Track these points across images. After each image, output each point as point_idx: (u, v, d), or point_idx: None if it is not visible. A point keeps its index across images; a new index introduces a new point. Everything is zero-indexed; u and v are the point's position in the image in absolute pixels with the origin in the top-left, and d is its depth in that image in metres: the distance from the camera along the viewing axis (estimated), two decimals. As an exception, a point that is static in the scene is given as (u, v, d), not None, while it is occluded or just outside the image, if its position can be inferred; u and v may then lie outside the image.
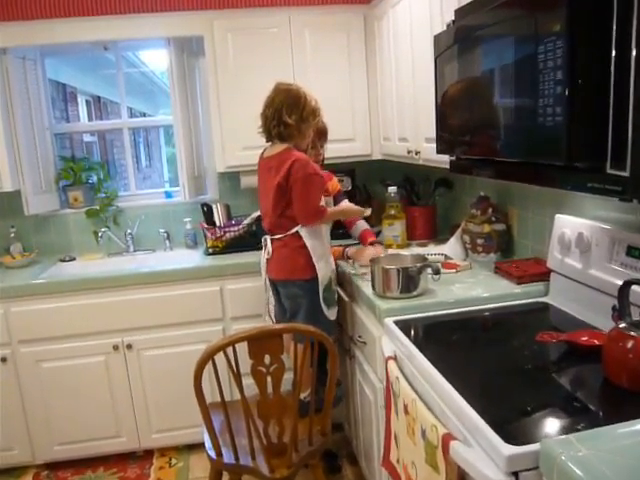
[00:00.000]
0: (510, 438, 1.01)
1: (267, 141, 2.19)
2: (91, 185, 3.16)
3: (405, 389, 1.43)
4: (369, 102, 2.93)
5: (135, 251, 3.11)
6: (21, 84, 2.81)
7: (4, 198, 2.92)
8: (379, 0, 2.66)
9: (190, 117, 3.03)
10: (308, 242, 2.13)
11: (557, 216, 1.80)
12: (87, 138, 5.36)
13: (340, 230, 2.88)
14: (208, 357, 1.74)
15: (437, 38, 1.64)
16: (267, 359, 1.78)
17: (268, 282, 2.29)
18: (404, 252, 2.33)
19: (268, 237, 2.23)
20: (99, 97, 5.85)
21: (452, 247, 2.35)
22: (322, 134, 2.38)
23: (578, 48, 0.97)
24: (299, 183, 2.05)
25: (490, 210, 2.24)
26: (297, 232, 2.13)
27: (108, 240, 3.09)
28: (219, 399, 1.83)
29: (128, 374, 2.67)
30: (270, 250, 2.21)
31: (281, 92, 2.11)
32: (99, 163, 3.21)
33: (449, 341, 1.63)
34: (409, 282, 1.87)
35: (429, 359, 1.41)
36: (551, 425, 1.08)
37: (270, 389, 1.82)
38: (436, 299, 1.84)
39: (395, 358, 1.61)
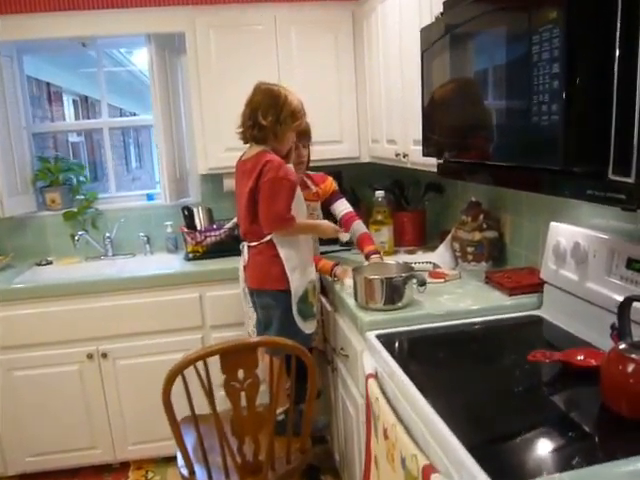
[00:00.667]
0: (497, 475, 0.90)
1: (244, 143, 2.06)
2: (69, 187, 3.04)
3: (385, 412, 1.32)
4: (357, 103, 2.82)
5: (114, 255, 2.99)
6: (-5, 80, 2.69)
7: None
8: (368, -4, 2.55)
9: (172, 117, 2.92)
10: (281, 251, 2.00)
11: (552, 224, 1.70)
12: (73, 138, 5.24)
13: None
14: (177, 372, 1.63)
15: (424, 31, 1.53)
16: (241, 374, 1.67)
17: (246, 290, 2.18)
18: (390, 260, 2.21)
19: (245, 244, 2.12)
20: (86, 97, 5.74)
21: (441, 255, 2.24)
22: (303, 134, 2.25)
23: (577, 37, 0.86)
24: (266, 186, 1.93)
25: (481, 216, 2.14)
26: (271, 240, 2.00)
27: (86, 244, 2.97)
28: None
29: (103, 384, 2.56)
30: (246, 257, 2.10)
31: (260, 92, 1.99)
32: (78, 164, 3.09)
33: (435, 358, 1.52)
34: (393, 293, 1.76)
35: (412, 378, 1.30)
36: (542, 460, 0.97)
37: (244, 404, 1.71)
38: (422, 311, 1.73)
39: (376, 376, 1.50)
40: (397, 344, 1.59)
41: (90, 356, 2.50)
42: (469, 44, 1.25)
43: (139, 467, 2.70)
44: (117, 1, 2.59)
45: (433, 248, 2.40)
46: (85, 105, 5.81)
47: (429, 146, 1.57)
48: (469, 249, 2.14)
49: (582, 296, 1.51)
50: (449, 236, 2.27)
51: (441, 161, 1.58)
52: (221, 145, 2.69)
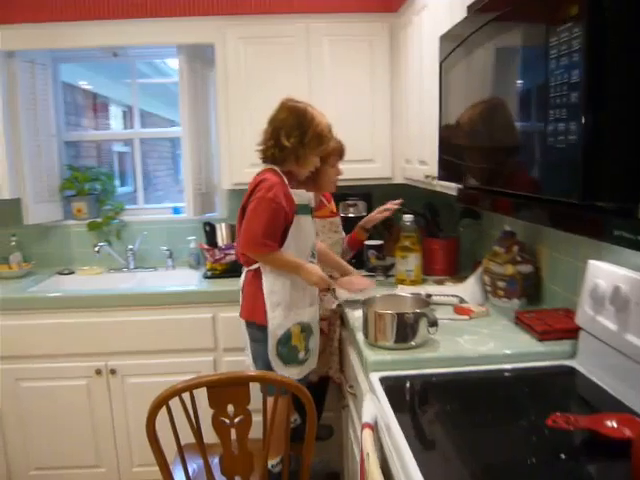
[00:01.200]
0: None
1: (263, 162, 1.91)
2: (97, 196, 3.01)
3: (372, 472, 1.14)
4: (392, 120, 2.66)
5: (135, 268, 2.93)
6: (27, 89, 2.70)
7: (6, 206, 2.79)
8: (405, 7, 2.40)
9: (200, 129, 2.85)
10: (265, 283, 1.85)
11: (590, 262, 1.48)
12: (119, 148, 5.30)
13: (353, 260, 2.62)
14: (162, 402, 1.51)
15: (443, 39, 1.36)
16: (231, 409, 1.53)
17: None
18: (406, 292, 2.02)
19: (245, 269, 1.98)
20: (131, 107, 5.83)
21: (470, 289, 2.04)
22: (340, 153, 2.14)
23: (602, 38, 0.68)
24: (252, 204, 1.79)
25: (515, 248, 1.92)
26: (259, 269, 1.86)
27: (108, 255, 2.92)
28: (190, 440, 1.59)
29: (110, 401, 2.47)
30: (241, 283, 1.97)
31: (286, 109, 1.86)
32: (107, 174, 3.06)
33: (441, 412, 1.32)
34: (406, 330, 1.57)
35: (407, 436, 1.12)
36: None
37: (236, 443, 1.56)
38: (436, 353, 1.54)
39: (374, 427, 1.32)
40: (402, 391, 1.41)
41: (99, 372, 2.43)
42: (484, 52, 1.07)
43: (144, 490, 2.59)
44: (147, 11, 2.55)
45: (464, 279, 2.19)
46: (131, 115, 5.89)
47: (445, 169, 1.39)
48: (500, 284, 1.92)
49: (621, 349, 1.29)
50: (480, 268, 2.07)
51: (461, 186, 1.40)
52: (246, 160, 2.58)
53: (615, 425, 1.11)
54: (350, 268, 2.20)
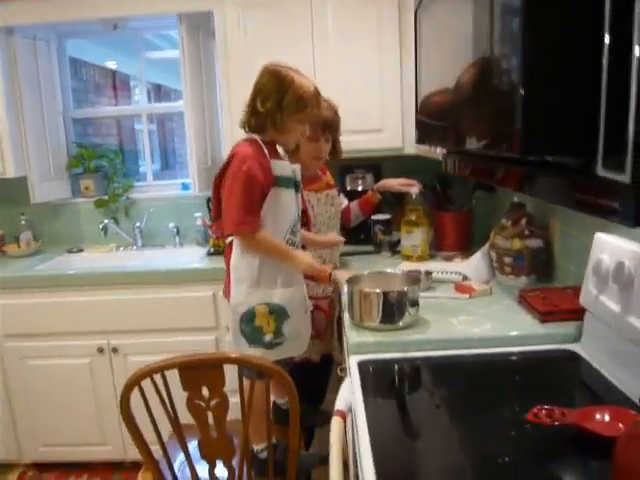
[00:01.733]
0: None
1: (245, 132, 1.78)
2: (105, 174, 2.98)
3: (333, 466, 1.04)
4: (402, 87, 2.49)
5: (143, 246, 2.89)
6: (29, 66, 2.66)
7: (14, 184, 2.78)
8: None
9: (205, 103, 2.76)
10: (233, 258, 1.75)
11: (597, 235, 1.32)
12: (140, 126, 5.29)
13: (361, 234, 2.50)
14: (131, 386, 1.47)
15: (417, -16, 1.21)
16: (206, 392, 1.46)
17: None
18: (404, 268, 1.89)
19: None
20: (159, 85, 5.80)
21: (474, 265, 1.89)
22: (327, 126, 1.98)
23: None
24: (227, 181, 1.67)
25: (524, 221, 1.77)
26: (232, 243, 1.76)
27: (116, 233, 2.90)
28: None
29: (114, 379, 2.46)
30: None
31: (267, 74, 1.72)
32: (114, 151, 3.02)
33: (417, 401, 1.21)
34: (392, 309, 1.46)
35: (372, 428, 1.01)
36: None
37: (213, 427, 1.50)
38: (424, 335, 1.42)
39: (346, 414, 1.22)
40: (379, 375, 1.30)
41: (101, 350, 2.41)
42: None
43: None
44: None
45: (475, 255, 2.05)
46: (158, 93, 5.87)
47: (421, 130, 1.25)
48: (506, 259, 1.77)
49: (623, 332, 1.14)
50: (487, 243, 1.91)
51: (444, 151, 1.25)
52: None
53: (607, 419, 0.98)
54: (328, 237, 2.04)
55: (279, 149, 1.83)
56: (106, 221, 2.82)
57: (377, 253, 2.36)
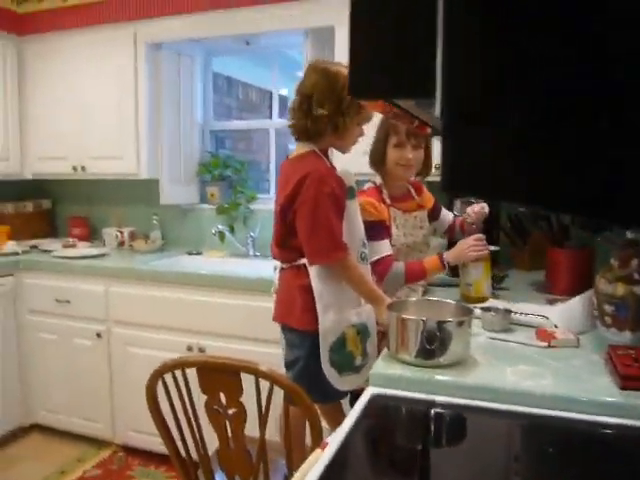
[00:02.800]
0: None
1: (296, 139, 1.68)
2: (230, 183, 3.13)
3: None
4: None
5: (255, 255, 2.96)
6: (173, 78, 2.91)
7: (151, 186, 3.05)
8: None
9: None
10: (315, 283, 1.60)
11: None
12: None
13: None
14: (157, 376, 1.45)
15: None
16: (224, 398, 1.39)
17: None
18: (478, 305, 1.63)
19: (278, 264, 1.76)
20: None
21: (568, 311, 1.55)
22: (412, 132, 1.77)
23: None
24: (306, 206, 1.53)
25: (635, 262, 1.41)
26: (304, 265, 1.62)
27: (230, 240, 3.00)
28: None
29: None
30: (276, 283, 1.76)
31: (314, 73, 1.59)
32: (240, 161, 3.15)
33: (407, 458, 1.00)
34: (433, 342, 1.24)
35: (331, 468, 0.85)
36: None
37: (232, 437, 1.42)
38: (456, 378, 1.18)
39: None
40: (384, 414, 1.10)
41: (190, 348, 2.48)
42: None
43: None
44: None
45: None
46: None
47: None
48: (607, 308, 1.43)
49: None
50: (592, 289, 1.57)
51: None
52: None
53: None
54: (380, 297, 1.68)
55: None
56: (220, 227, 2.94)
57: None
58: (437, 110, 0.35)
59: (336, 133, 1.59)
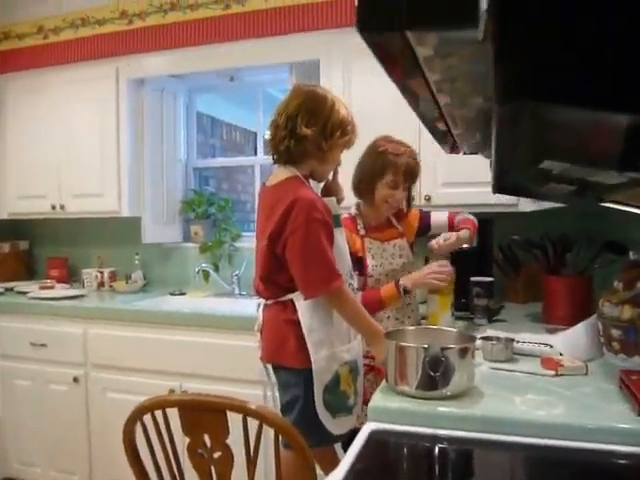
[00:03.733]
0: None
1: (274, 162, 1.62)
2: (214, 221, 3.05)
3: None
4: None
5: (240, 294, 2.85)
6: (155, 115, 2.87)
7: (134, 225, 2.96)
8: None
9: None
10: (303, 319, 1.50)
11: None
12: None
13: (462, 299, 2.18)
14: (134, 420, 1.33)
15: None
16: (208, 441, 1.27)
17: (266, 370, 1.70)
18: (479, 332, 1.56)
19: (262, 301, 1.66)
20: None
21: (573, 338, 1.48)
22: (408, 174, 1.78)
23: None
24: (298, 234, 1.44)
25: (640, 284, 1.35)
26: (291, 301, 1.53)
27: (214, 279, 2.90)
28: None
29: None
30: (261, 320, 1.65)
31: (301, 94, 1.55)
32: (224, 199, 3.09)
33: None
34: (435, 372, 1.15)
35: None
36: None
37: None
38: (464, 410, 1.09)
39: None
40: (385, 450, 1.00)
41: (172, 392, 2.34)
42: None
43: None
44: (259, 31, 2.53)
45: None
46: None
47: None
48: (614, 332, 1.36)
49: None
50: (596, 315, 1.50)
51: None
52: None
53: None
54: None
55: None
56: (204, 265, 2.84)
57: (469, 320, 2.01)
58: (480, 32, 0.28)
59: (319, 157, 1.54)
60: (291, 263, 1.49)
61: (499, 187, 1.00)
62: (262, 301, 1.65)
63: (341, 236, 1.60)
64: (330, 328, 1.55)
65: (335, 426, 1.53)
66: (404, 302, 1.81)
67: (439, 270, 1.71)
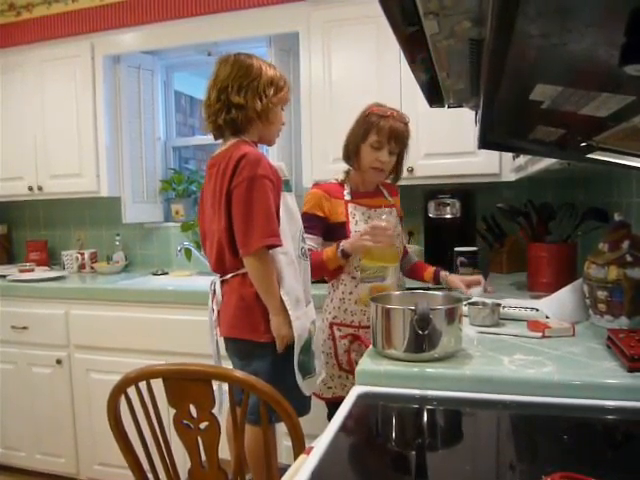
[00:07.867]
0: None
1: (215, 138, 1.62)
2: (195, 199, 3.01)
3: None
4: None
5: (223, 272, 2.82)
6: (132, 93, 2.80)
7: (114, 206, 2.91)
8: None
9: (292, 126, 2.68)
10: (287, 278, 1.53)
11: None
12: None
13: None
14: (118, 393, 1.30)
15: None
16: (194, 411, 1.25)
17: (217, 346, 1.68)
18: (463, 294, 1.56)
19: (217, 279, 1.63)
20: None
21: (559, 301, 1.48)
22: (393, 136, 1.73)
23: None
24: (241, 188, 1.44)
25: (626, 244, 1.35)
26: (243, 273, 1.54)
27: (197, 257, 2.87)
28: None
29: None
30: (220, 298, 1.61)
31: (226, 65, 1.55)
32: (204, 176, 3.04)
33: (399, 457, 0.89)
34: (423, 331, 1.14)
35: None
36: None
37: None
38: (452, 370, 1.08)
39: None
40: (374, 412, 0.99)
41: (157, 371, 2.32)
42: None
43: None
44: (237, 3, 2.47)
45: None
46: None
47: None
48: (600, 294, 1.36)
49: None
50: (581, 278, 1.50)
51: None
52: (328, 157, 2.35)
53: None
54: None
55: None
56: (185, 244, 2.80)
57: (451, 290, 2.01)
58: None
59: (262, 119, 1.54)
60: (235, 217, 1.47)
61: (485, 141, 0.98)
62: (216, 279, 1.63)
63: (291, 199, 1.59)
64: (297, 285, 1.57)
65: (308, 385, 1.58)
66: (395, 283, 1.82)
67: (371, 232, 1.64)
